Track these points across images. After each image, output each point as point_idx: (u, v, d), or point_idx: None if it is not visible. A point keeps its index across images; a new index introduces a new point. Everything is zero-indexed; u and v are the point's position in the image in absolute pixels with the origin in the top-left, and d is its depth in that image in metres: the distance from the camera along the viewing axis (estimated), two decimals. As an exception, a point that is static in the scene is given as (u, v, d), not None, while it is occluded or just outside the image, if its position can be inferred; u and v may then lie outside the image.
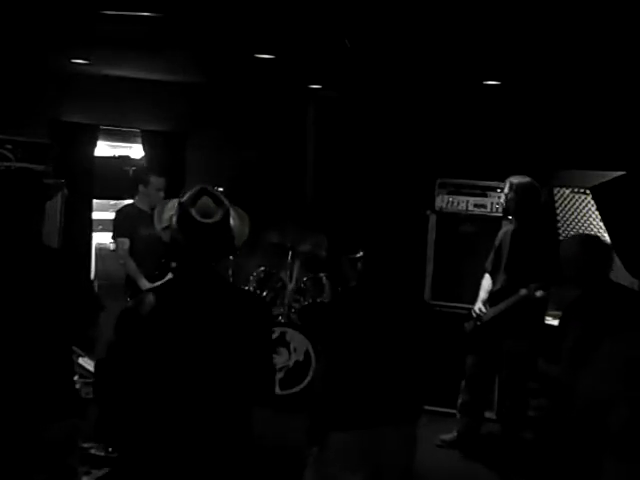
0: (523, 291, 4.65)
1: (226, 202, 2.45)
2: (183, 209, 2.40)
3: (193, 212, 2.37)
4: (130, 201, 5.73)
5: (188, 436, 2.36)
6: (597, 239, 3.67)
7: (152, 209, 5.47)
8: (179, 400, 2.37)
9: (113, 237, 5.50)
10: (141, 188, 5.47)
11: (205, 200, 2.40)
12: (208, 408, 2.39)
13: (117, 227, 5.43)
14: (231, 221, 2.48)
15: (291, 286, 6.19)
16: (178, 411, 2.37)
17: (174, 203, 2.49)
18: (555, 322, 5.22)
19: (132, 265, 5.28)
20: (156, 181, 5.41)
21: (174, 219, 2.43)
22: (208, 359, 2.39)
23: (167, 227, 2.46)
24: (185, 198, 2.42)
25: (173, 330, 2.38)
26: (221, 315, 2.43)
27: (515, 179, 4.89)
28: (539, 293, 4.63)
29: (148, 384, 2.38)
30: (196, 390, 2.37)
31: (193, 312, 2.40)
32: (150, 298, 2.42)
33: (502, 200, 5.08)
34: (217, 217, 2.39)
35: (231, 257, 6.22)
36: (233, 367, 2.42)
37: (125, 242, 5.35)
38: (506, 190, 4.94)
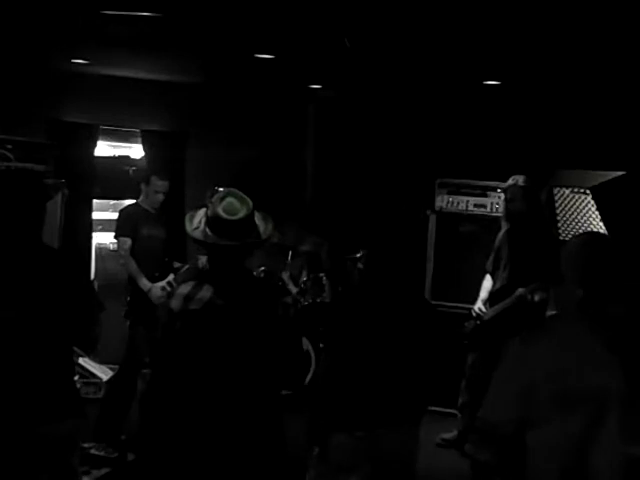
0: (519, 291, 4.66)
1: (250, 202, 2.71)
2: (211, 209, 2.67)
3: (220, 211, 2.63)
4: (134, 200, 5.73)
5: (221, 419, 2.63)
6: (603, 238, 3.62)
7: (154, 209, 5.51)
8: (216, 389, 2.62)
9: (115, 236, 5.51)
10: (143, 187, 5.47)
11: (230, 200, 2.68)
12: (241, 397, 2.64)
13: (120, 226, 5.43)
14: (255, 219, 2.73)
15: (295, 289, 6.19)
16: (213, 399, 2.62)
17: (205, 210, 2.75)
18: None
19: (133, 265, 5.28)
20: (156, 182, 5.39)
21: (203, 220, 2.69)
22: (244, 348, 2.63)
23: (197, 228, 2.70)
24: (213, 200, 2.71)
25: (212, 321, 2.62)
26: (253, 307, 2.67)
27: (518, 180, 4.88)
28: (537, 297, 4.63)
29: (192, 373, 2.62)
30: (235, 377, 2.63)
31: (227, 305, 2.63)
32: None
33: (505, 199, 5.08)
34: (241, 214, 2.65)
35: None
36: (266, 354, 2.67)
37: (127, 242, 5.35)
38: (509, 192, 4.94)
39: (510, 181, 4.96)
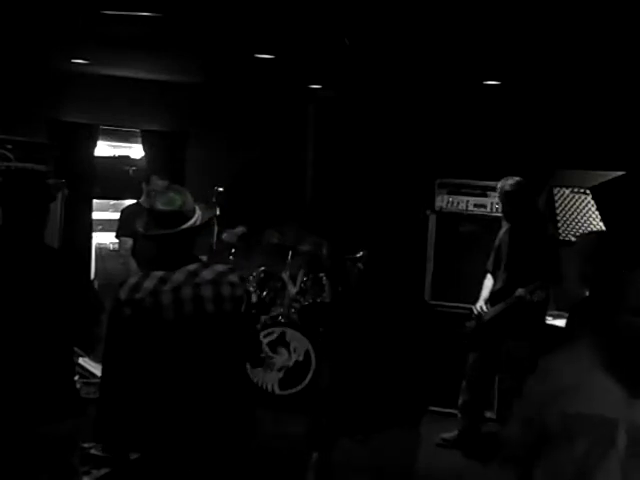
0: (519, 291, 4.65)
1: (187, 194, 2.87)
2: (150, 203, 2.88)
3: (157, 204, 2.81)
4: (134, 200, 5.73)
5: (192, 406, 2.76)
6: (610, 237, 3.59)
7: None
8: (166, 377, 2.76)
9: (117, 235, 5.51)
10: (144, 186, 5.47)
11: (168, 194, 2.85)
12: (195, 380, 2.76)
13: (121, 226, 5.45)
14: (197, 208, 2.89)
15: (295, 289, 6.19)
16: (181, 386, 2.76)
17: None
18: (555, 322, 5.23)
19: (133, 265, 5.29)
20: (157, 182, 5.39)
21: (147, 218, 2.87)
22: (202, 336, 2.77)
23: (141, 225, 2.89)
24: (152, 195, 3.03)
25: (156, 309, 2.74)
26: (198, 291, 2.78)
27: (504, 185, 4.88)
28: (536, 297, 4.62)
29: (140, 361, 2.75)
30: (186, 362, 2.75)
31: (172, 291, 2.76)
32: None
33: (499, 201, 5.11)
34: (177, 204, 2.80)
35: (231, 257, 6.24)
36: (226, 338, 2.82)
37: (128, 241, 5.36)
38: (498, 195, 4.96)
39: (497, 186, 4.97)
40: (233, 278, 2.87)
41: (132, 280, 2.79)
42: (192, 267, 2.82)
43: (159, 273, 2.78)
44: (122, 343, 2.74)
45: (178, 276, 2.78)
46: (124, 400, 2.81)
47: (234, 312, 2.83)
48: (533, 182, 5.09)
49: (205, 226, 2.99)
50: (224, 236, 6.10)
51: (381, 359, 3.20)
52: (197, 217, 2.87)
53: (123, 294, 2.75)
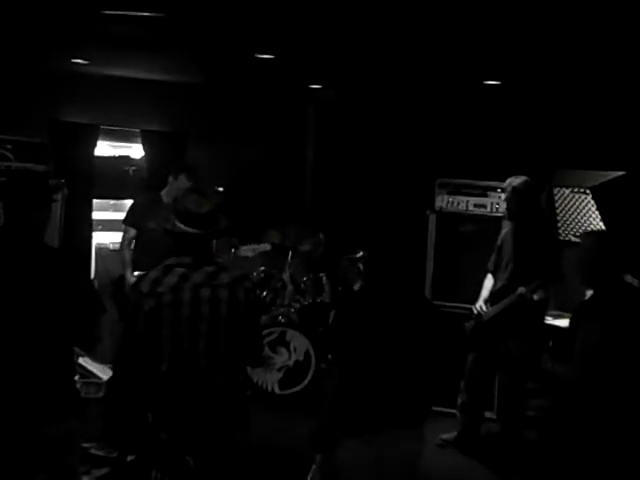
0: (521, 289, 4.65)
1: (213, 197, 2.99)
2: (180, 204, 2.94)
3: (189, 205, 2.90)
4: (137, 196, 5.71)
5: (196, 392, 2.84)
6: (612, 237, 3.58)
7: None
8: (182, 369, 2.83)
9: (123, 222, 5.52)
10: (170, 179, 5.42)
11: (196, 195, 2.96)
12: (207, 375, 2.85)
13: (127, 215, 5.47)
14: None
15: (291, 288, 6.19)
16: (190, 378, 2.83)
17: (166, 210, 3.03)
18: (555, 322, 5.24)
19: (125, 255, 5.32)
20: (184, 181, 5.29)
21: (171, 215, 2.93)
22: (208, 329, 2.84)
23: (167, 221, 2.97)
24: (180, 196, 3.02)
25: (178, 303, 2.83)
26: (216, 290, 2.87)
27: (513, 181, 4.88)
28: (536, 296, 4.62)
29: (161, 352, 2.82)
30: (200, 356, 2.84)
31: (197, 293, 2.84)
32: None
33: (503, 200, 5.10)
34: (207, 208, 2.92)
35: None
36: (234, 340, 2.89)
37: (130, 231, 5.38)
38: (505, 193, 4.96)
39: (505, 183, 4.98)
40: (248, 284, 2.98)
41: (153, 274, 2.87)
42: (210, 269, 2.90)
43: (180, 270, 2.86)
44: (140, 335, 2.81)
45: (198, 276, 2.86)
46: (134, 393, 2.87)
47: (246, 316, 2.92)
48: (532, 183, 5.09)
49: (226, 232, 3.12)
50: (244, 249, 6.12)
51: (388, 361, 3.19)
52: (220, 222, 2.99)
53: (145, 287, 2.83)
